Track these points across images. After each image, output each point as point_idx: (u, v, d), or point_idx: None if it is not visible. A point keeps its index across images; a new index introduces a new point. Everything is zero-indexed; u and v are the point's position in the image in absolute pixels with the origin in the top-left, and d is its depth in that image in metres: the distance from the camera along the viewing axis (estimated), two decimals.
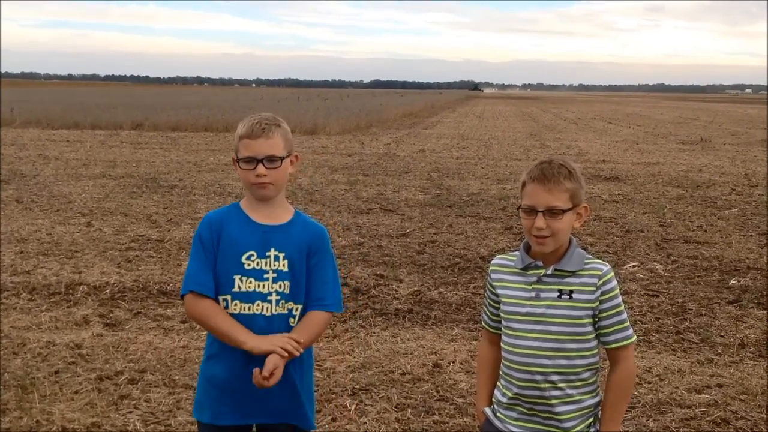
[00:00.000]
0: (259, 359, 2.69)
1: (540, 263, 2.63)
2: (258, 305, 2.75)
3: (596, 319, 2.61)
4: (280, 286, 2.77)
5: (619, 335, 2.61)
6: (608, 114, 54.92)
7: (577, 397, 2.62)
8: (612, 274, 2.62)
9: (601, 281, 2.58)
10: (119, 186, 13.86)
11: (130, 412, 4.66)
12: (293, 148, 2.87)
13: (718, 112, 59.97)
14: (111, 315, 6.52)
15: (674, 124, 40.62)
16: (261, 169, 2.75)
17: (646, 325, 6.54)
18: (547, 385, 2.60)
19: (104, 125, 29.08)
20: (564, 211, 2.57)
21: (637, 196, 13.81)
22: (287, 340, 2.71)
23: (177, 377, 5.19)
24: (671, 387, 5.23)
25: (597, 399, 2.67)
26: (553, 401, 2.61)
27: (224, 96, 74.38)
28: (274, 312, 2.76)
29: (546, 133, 31.56)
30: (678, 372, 5.51)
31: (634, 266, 8.49)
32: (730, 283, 7.88)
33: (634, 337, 2.66)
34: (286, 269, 2.78)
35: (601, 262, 2.66)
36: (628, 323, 2.64)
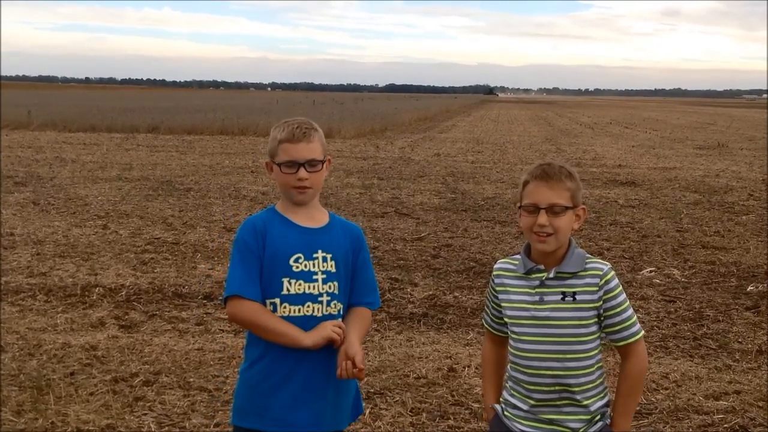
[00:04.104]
0: (310, 358, 2.71)
1: (542, 267, 2.63)
2: (309, 306, 2.75)
3: (602, 319, 2.62)
4: (329, 287, 2.79)
5: (627, 332, 2.63)
6: (624, 119, 54.70)
7: (585, 402, 2.63)
8: (613, 272, 2.64)
9: (602, 281, 2.59)
10: (135, 189, 13.91)
11: (145, 414, 4.66)
12: (327, 152, 2.89)
13: (735, 117, 59.62)
14: (126, 317, 6.53)
15: (691, 129, 40.42)
16: (303, 173, 2.76)
17: (663, 331, 6.49)
18: (557, 387, 2.61)
19: (120, 128, 29.23)
20: (566, 209, 2.59)
21: (654, 201, 13.73)
22: (333, 328, 2.74)
23: (192, 379, 5.18)
24: (688, 393, 5.19)
25: (605, 401, 2.68)
26: (563, 403, 2.62)
27: (240, 99, 74.65)
28: (325, 312, 2.77)
29: (562, 138, 31.48)
30: (695, 378, 5.46)
31: (650, 271, 8.44)
32: (748, 289, 7.82)
33: (642, 332, 2.68)
34: (334, 270, 2.80)
35: (602, 261, 2.67)
36: (634, 319, 2.65)
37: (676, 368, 5.63)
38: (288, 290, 2.74)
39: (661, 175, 17.86)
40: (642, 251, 9.48)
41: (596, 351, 2.65)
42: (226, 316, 2.72)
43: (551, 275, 2.61)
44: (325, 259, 2.79)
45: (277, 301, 2.74)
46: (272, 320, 2.71)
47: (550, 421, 2.63)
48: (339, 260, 2.82)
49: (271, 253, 2.74)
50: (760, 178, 17.61)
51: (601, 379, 2.67)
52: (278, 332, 2.70)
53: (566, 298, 2.59)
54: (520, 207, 2.67)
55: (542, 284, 2.62)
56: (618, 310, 2.61)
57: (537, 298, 2.62)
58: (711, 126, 44.77)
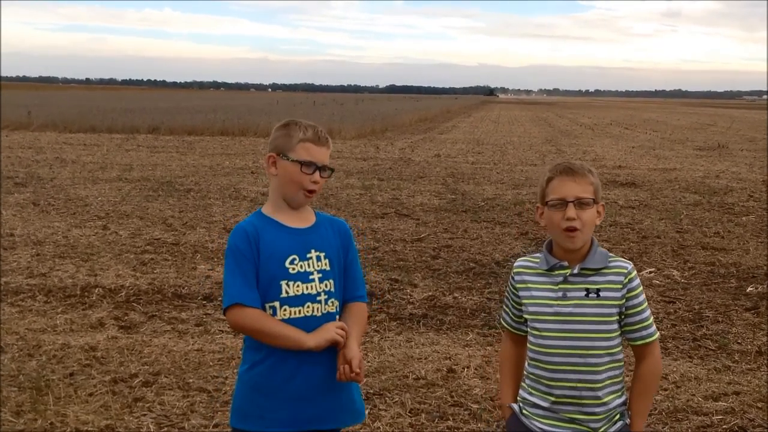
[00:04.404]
0: (312, 358, 2.72)
1: (565, 263, 2.66)
2: (308, 307, 2.76)
3: (622, 317, 2.65)
4: (326, 285, 2.79)
5: (645, 332, 2.67)
6: (625, 119, 54.70)
7: (605, 399, 2.65)
8: (635, 272, 2.68)
9: (626, 279, 2.63)
10: (135, 189, 13.91)
11: (144, 415, 4.66)
12: None
13: (735, 118, 59.62)
14: (126, 318, 6.53)
15: (691, 130, 40.42)
16: (317, 176, 2.77)
17: (663, 332, 6.48)
18: (579, 384, 2.63)
19: (121, 129, 29.23)
20: (592, 202, 2.65)
21: (654, 202, 13.73)
22: (337, 329, 2.75)
23: (191, 380, 5.18)
24: (688, 394, 5.19)
25: (623, 398, 2.71)
26: (584, 401, 2.64)
27: (240, 100, 74.64)
28: (324, 311, 2.78)
29: (562, 139, 31.48)
30: (695, 379, 5.46)
31: (650, 272, 8.44)
32: (748, 290, 7.82)
33: (657, 334, 2.71)
34: (329, 268, 2.81)
35: (625, 260, 2.71)
36: (651, 320, 2.69)
37: (675, 369, 5.63)
38: (287, 293, 2.73)
39: (661, 176, 17.86)
40: (642, 252, 9.48)
41: (618, 349, 2.68)
42: (228, 324, 2.68)
43: (575, 271, 2.64)
44: (318, 258, 2.79)
45: (277, 304, 2.73)
46: (275, 325, 2.71)
47: (571, 420, 2.65)
48: (332, 258, 2.83)
49: (267, 257, 2.72)
50: (760, 179, 17.61)
51: (621, 377, 2.71)
52: (282, 336, 2.69)
53: (590, 295, 2.62)
54: (546, 204, 2.67)
55: (566, 280, 2.65)
56: (638, 309, 2.65)
57: (560, 294, 2.64)
58: (711, 127, 44.78)
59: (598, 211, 2.70)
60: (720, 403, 5.05)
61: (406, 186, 15.24)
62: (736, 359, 5.90)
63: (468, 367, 5.55)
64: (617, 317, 2.64)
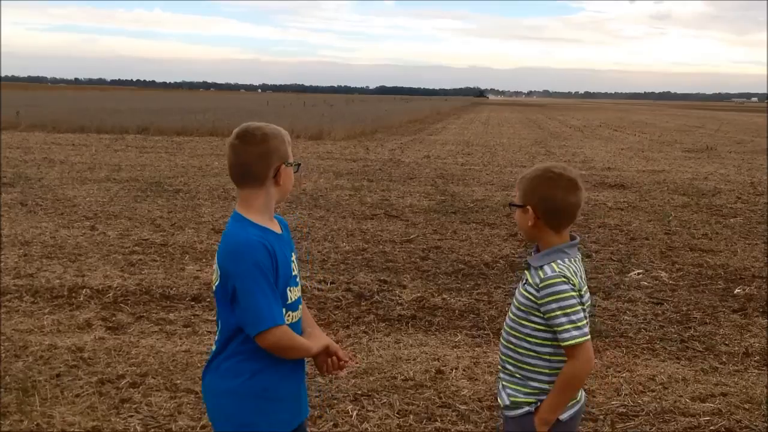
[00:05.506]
0: (300, 361, 2.86)
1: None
2: (299, 309, 2.83)
3: (546, 317, 2.77)
4: (301, 286, 2.89)
5: (560, 336, 2.72)
6: (614, 121, 54.86)
7: (518, 375, 2.82)
8: (555, 281, 2.70)
9: (542, 284, 2.73)
10: (124, 190, 13.87)
11: (131, 416, 4.64)
12: None
13: (724, 120, 59.88)
14: (113, 319, 6.51)
15: (680, 132, 40.56)
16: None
17: (651, 333, 6.50)
18: (504, 357, 2.89)
19: (110, 129, 29.11)
20: (514, 207, 2.85)
21: (642, 204, 13.77)
22: (325, 335, 2.92)
23: (179, 381, 5.17)
24: (675, 395, 5.20)
25: (544, 386, 2.80)
26: (507, 374, 2.86)
27: (230, 101, 74.49)
28: (300, 310, 2.87)
29: (551, 140, 31.53)
30: (682, 380, 5.48)
31: (638, 274, 8.46)
32: (735, 292, 7.85)
33: (577, 340, 2.69)
34: (299, 268, 2.89)
35: (555, 268, 2.73)
36: (568, 327, 2.69)
37: (662, 370, 5.65)
38: (290, 299, 2.76)
39: (650, 178, 17.92)
40: (630, 253, 9.50)
41: (538, 340, 2.78)
42: (268, 346, 2.65)
43: (523, 262, 2.92)
44: (294, 261, 2.85)
45: (283, 311, 2.72)
46: (298, 339, 2.75)
47: (502, 387, 2.89)
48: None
49: (282, 267, 2.71)
50: (748, 181, 17.70)
51: (545, 369, 2.78)
52: (300, 348, 2.75)
53: (524, 285, 2.82)
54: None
55: (524, 269, 2.89)
56: (550, 315, 2.72)
57: (522, 279, 2.89)
58: (700, 129, 44.96)
59: (528, 213, 2.81)
60: (707, 404, 5.07)
61: (396, 187, 15.23)
62: (724, 360, 5.92)
63: (456, 369, 5.55)
64: (538, 313, 2.75)
